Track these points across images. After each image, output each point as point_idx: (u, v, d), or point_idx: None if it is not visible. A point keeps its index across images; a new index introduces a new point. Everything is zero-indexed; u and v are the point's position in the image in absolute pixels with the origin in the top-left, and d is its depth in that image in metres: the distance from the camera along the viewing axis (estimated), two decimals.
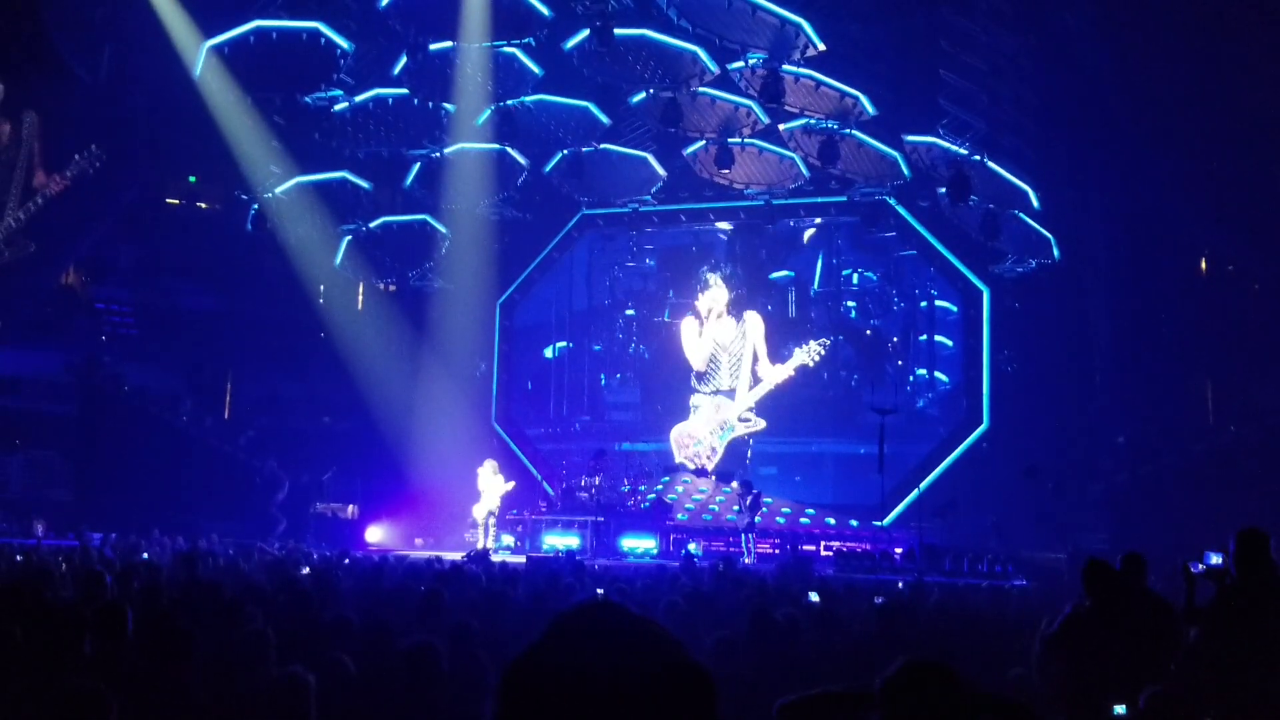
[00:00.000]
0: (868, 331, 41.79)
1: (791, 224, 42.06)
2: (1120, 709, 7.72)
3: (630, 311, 44.25)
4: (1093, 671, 8.81)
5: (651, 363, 42.87)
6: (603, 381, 44.37)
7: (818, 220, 42.12)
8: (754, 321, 38.72)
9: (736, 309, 38.95)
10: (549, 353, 45.44)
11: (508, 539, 33.95)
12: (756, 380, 38.04)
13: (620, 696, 1.94)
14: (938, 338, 42.22)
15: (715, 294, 39.04)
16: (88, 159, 36.78)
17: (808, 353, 37.13)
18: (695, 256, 43.17)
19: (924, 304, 41.78)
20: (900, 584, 20.27)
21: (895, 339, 41.64)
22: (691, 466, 37.89)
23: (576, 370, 44.75)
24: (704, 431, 38.20)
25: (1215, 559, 10.36)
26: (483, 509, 33.36)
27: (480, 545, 31.86)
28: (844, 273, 43.38)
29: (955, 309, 40.44)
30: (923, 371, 41.90)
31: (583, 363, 44.70)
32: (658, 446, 39.83)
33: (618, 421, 43.04)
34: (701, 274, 40.23)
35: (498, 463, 34.58)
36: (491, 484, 33.52)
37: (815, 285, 43.67)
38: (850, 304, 42.78)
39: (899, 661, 4.61)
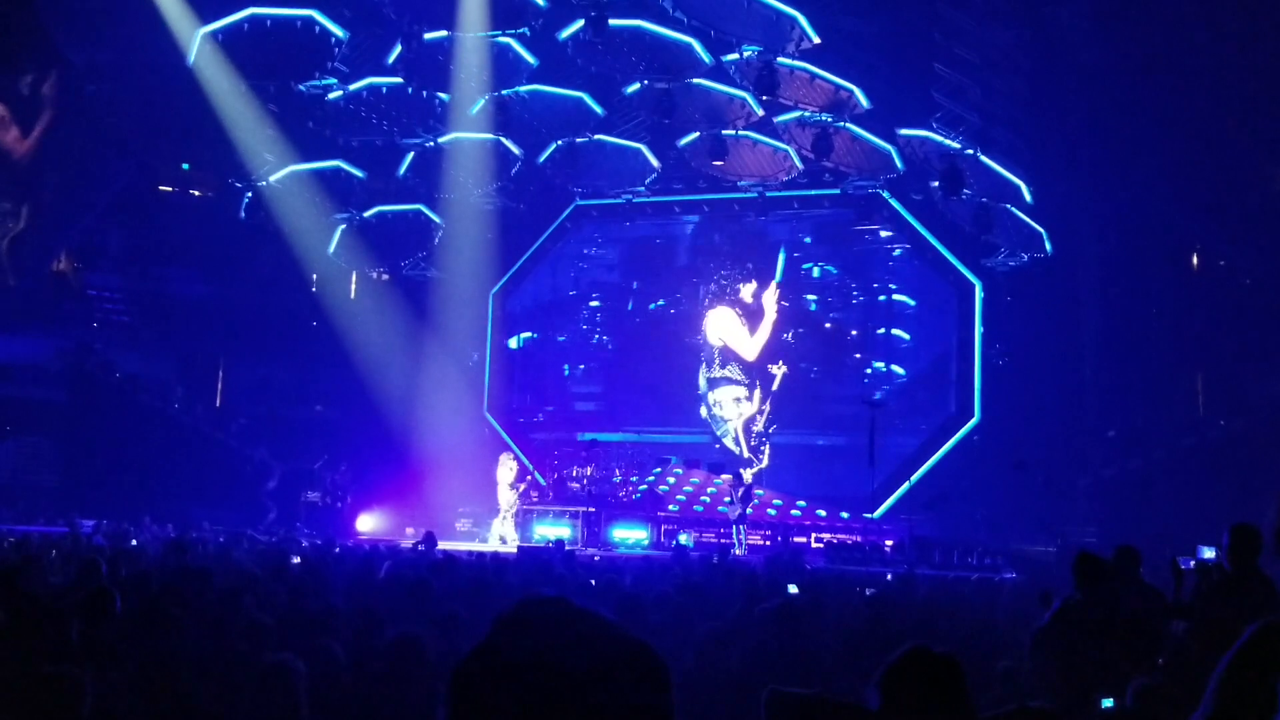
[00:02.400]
0: (827, 324, 41.79)
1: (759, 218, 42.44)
2: (1108, 702, 7.74)
3: (595, 303, 44.40)
4: (1081, 664, 8.84)
5: (615, 354, 43.20)
6: (566, 371, 44.39)
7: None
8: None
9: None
10: (513, 343, 45.22)
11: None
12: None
13: (571, 687, 1.93)
14: (895, 331, 42.26)
15: (748, 287, 39.78)
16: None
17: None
18: (659, 248, 43.45)
19: (883, 298, 41.77)
20: (889, 576, 20.31)
21: (854, 332, 41.60)
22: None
23: (553, 361, 44.81)
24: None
25: (1208, 553, 10.39)
26: (504, 501, 33.39)
27: (495, 536, 32.02)
28: (805, 266, 43.40)
29: (913, 303, 40.71)
30: (880, 364, 41.87)
31: (549, 353, 44.76)
32: (620, 438, 39.89)
33: (583, 412, 43.16)
34: (745, 267, 40.63)
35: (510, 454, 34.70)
36: (509, 478, 33.57)
37: (777, 278, 43.74)
38: (810, 297, 42.72)
39: (903, 648, 4.62)
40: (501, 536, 33.09)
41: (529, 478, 34.54)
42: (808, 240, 42.60)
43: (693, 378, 40.35)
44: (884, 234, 40.18)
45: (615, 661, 1.98)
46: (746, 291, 39.85)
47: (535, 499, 34.83)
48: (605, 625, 2.03)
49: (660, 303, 43.13)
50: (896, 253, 41.03)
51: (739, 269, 40.55)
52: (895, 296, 41.34)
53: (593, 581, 14.78)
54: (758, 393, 38.78)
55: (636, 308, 43.35)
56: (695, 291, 41.60)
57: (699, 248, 43.05)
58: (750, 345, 39.33)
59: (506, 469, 34.21)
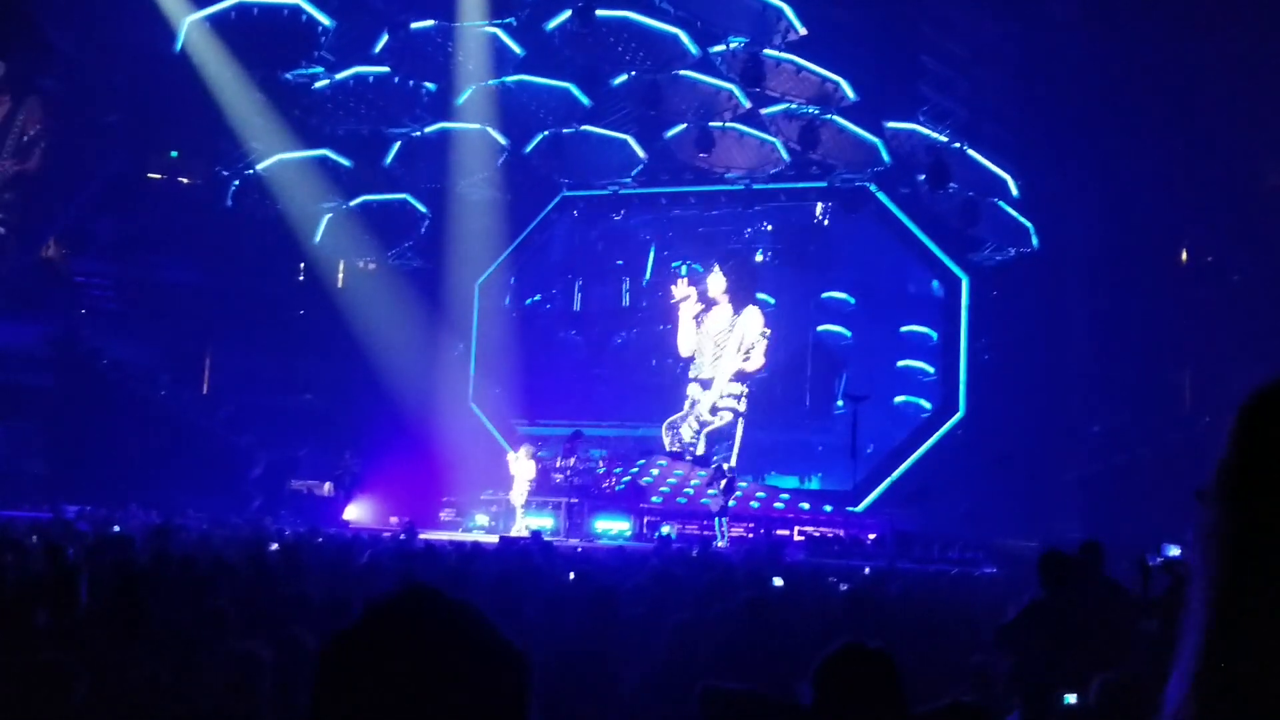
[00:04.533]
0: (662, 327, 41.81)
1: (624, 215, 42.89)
2: (1070, 698, 7.76)
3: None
4: (1042, 661, 8.87)
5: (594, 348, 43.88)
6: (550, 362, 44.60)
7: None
8: (748, 315, 38.46)
9: (736, 300, 38.69)
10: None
11: (482, 519, 33.98)
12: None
13: (430, 680, 1.93)
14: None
15: (712, 281, 38.90)
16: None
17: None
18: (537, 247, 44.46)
19: (744, 295, 41.88)
20: (866, 569, 20.32)
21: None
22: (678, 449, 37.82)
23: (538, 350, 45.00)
24: (683, 423, 38.11)
25: (1173, 550, 10.42)
26: (517, 493, 33.23)
27: (518, 528, 31.87)
28: (674, 264, 43.55)
29: (773, 301, 40.98)
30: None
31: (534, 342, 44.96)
32: (604, 431, 39.88)
33: (567, 403, 43.25)
34: (705, 266, 40.39)
35: (533, 447, 34.44)
36: (523, 468, 33.33)
37: (647, 275, 43.89)
38: (673, 289, 42.65)
39: (836, 644, 4.63)
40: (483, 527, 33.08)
41: (567, 461, 34.08)
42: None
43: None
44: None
45: (477, 659, 1.98)
46: (711, 284, 39.33)
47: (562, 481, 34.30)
48: (474, 620, 2.03)
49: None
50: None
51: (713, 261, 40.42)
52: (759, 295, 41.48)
53: (571, 575, 14.74)
54: (708, 393, 38.31)
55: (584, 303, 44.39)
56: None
57: (573, 245, 44.56)
58: (683, 340, 39.21)
59: (523, 459, 33.80)
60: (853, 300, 41.69)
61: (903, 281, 41.92)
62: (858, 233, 39.86)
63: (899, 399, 40.10)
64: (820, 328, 42.29)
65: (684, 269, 42.12)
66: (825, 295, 42.48)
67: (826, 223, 40.20)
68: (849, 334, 42.17)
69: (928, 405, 39.61)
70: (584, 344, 44.41)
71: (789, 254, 42.35)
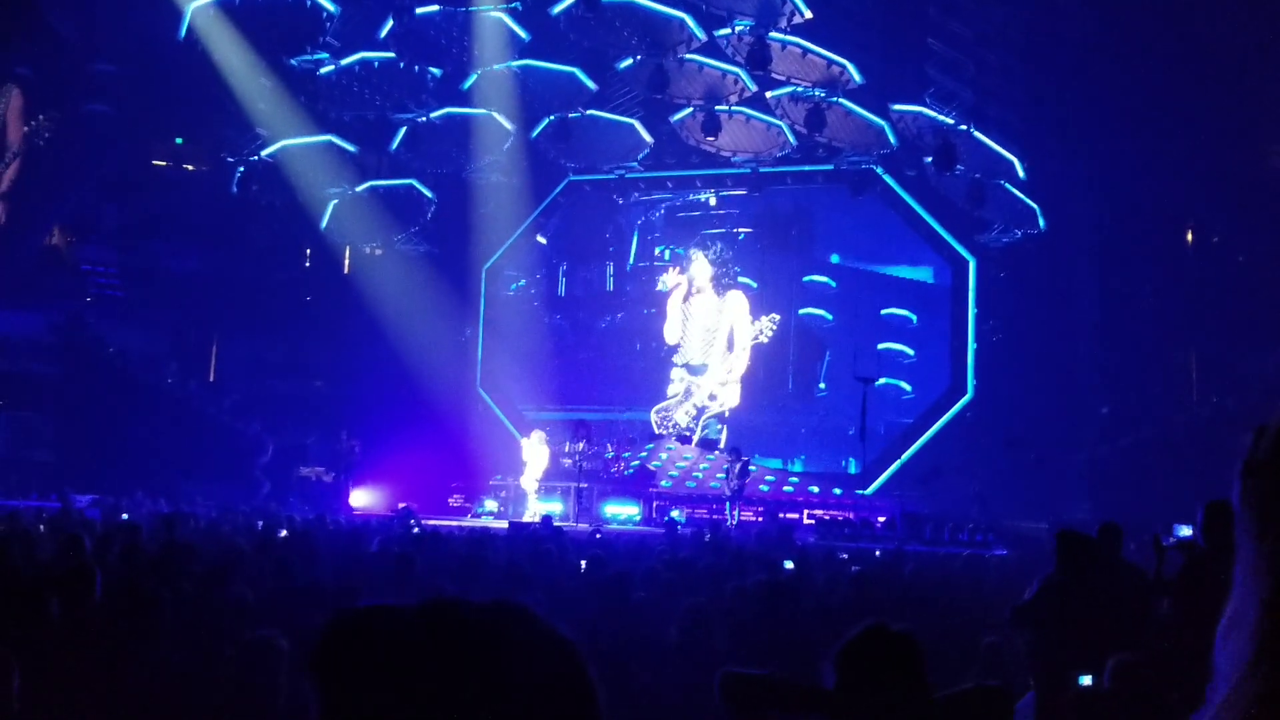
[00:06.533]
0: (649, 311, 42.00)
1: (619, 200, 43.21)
2: (1085, 679, 7.75)
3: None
4: (1058, 642, 8.85)
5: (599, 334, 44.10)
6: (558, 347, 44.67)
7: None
8: (735, 300, 38.33)
9: (720, 286, 38.54)
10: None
11: (491, 504, 33.98)
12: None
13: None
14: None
15: (698, 269, 38.64)
16: (35, 130, 36.95)
17: (759, 330, 37.24)
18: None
19: (725, 280, 41.93)
20: (878, 552, 20.29)
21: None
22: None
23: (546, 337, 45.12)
24: (677, 409, 38.00)
25: (1185, 531, 10.36)
26: (529, 478, 33.23)
27: (530, 513, 31.82)
28: (657, 249, 43.63)
29: (755, 284, 41.07)
30: None
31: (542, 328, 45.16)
32: (613, 415, 39.89)
33: (575, 388, 43.29)
34: (687, 250, 40.24)
35: (544, 432, 34.45)
36: (537, 454, 33.33)
37: (631, 260, 43.96)
38: (662, 279, 42.64)
39: (860, 626, 4.61)
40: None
41: (576, 445, 33.85)
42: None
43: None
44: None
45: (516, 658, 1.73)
46: (688, 277, 39.03)
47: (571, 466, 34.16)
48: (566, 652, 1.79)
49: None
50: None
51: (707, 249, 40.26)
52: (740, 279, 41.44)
53: (583, 563, 14.69)
54: (704, 381, 38.13)
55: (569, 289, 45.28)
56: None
57: (555, 229, 45.22)
58: (670, 328, 38.85)
59: (536, 444, 33.75)
60: (834, 284, 41.79)
61: (884, 264, 42.33)
62: (841, 215, 40.14)
63: (880, 381, 40.17)
64: (802, 310, 42.38)
65: (667, 254, 42.23)
66: (807, 279, 42.65)
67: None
68: (830, 317, 42.29)
69: (908, 388, 39.79)
70: (568, 328, 44.48)
71: (771, 237, 42.48)
